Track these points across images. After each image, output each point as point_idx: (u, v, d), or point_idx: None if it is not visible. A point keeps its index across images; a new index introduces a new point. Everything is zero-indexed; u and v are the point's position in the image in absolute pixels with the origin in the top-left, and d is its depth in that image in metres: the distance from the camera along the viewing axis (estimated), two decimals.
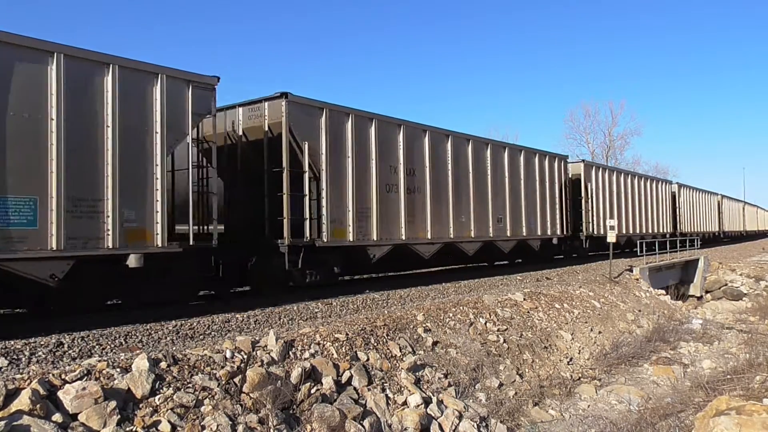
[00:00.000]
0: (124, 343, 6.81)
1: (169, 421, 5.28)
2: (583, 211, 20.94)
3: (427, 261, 14.32)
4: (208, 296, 10.91)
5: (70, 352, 6.25)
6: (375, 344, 7.96)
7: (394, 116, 12.98)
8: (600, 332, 12.55)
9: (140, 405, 5.33)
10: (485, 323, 10.25)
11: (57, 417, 4.78)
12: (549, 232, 18.33)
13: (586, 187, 21.19)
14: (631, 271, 19.03)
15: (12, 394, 4.79)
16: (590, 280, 16.25)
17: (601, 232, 20.99)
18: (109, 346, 6.60)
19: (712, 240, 37.32)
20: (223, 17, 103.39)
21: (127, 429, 5.06)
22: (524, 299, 12.14)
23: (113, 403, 5.09)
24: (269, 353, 6.73)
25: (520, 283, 14.64)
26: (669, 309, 17.23)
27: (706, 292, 25.00)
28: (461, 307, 10.48)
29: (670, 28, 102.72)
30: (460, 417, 7.27)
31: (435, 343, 8.80)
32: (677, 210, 31.29)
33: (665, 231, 28.74)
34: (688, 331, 14.70)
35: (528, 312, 11.61)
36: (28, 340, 6.40)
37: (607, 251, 22.27)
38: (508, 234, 16.14)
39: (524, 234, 16.90)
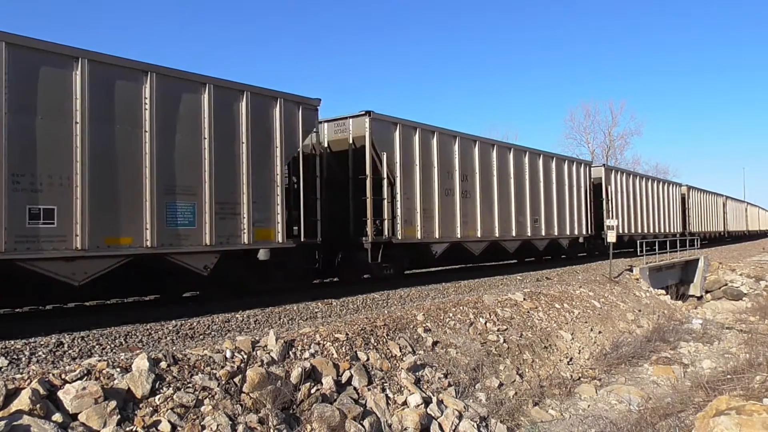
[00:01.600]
0: (124, 343, 6.81)
1: (169, 421, 5.28)
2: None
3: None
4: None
5: (70, 352, 6.25)
6: (375, 344, 7.96)
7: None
8: (600, 332, 12.56)
9: (140, 405, 5.33)
10: (485, 323, 10.25)
11: (57, 417, 4.78)
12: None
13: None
14: (631, 271, 19.04)
15: (12, 394, 4.79)
16: (590, 280, 16.25)
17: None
18: (109, 346, 6.60)
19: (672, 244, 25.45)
20: (223, 17, 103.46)
21: (127, 429, 5.06)
22: (524, 299, 12.14)
23: (113, 403, 5.09)
24: (269, 353, 6.73)
25: (520, 283, 14.64)
26: (669, 309, 17.24)
27: (706, 292, 25.02)
28: (461, 307, 10.48)
29: (670, 28, 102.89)
30: (460, 417, 7.27)
31: (435, 343, 8.80)
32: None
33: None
34: (688, 331, 14.71)
35: (528, 312, 11.61)
36: (28, 340, 6.40)
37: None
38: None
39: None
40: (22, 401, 4.71)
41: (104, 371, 5.42)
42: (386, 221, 12.29)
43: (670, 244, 25.01)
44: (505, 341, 9.93)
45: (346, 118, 12.57)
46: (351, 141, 12.47)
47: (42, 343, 6.35)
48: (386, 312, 9.53)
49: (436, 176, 13.64)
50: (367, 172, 12.04)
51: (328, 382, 6.73)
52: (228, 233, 9.16)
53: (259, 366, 6.40)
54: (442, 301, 11.03)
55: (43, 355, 6.02)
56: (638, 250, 21.71)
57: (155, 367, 5.73)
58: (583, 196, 20.57)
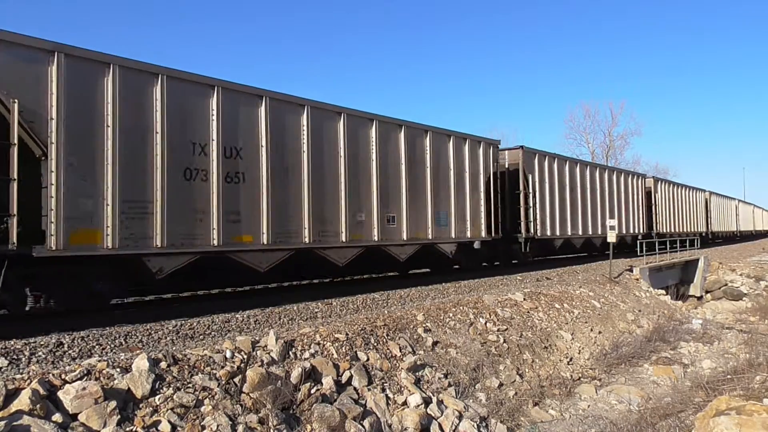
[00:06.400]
0: (124, 343, 6.81)
1: (169, 421, 5.27)
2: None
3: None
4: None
5: (70, 352, 6.25)
6: (375, 344, 7.96)
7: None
8: (600, 332, 12.55)
9: (140, 405, 5.33)
10: (485, 323, 10.25)
11: (57, 417, 4.78)
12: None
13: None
14: (631, 271, 19.03)
15: (12, 394, 4.79)
16: (590, 280, 16.24)
17: (548, 233, 18.09)
18: (109, 346, 6.59)
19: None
20: (223, 17, 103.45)
21: (127, 429, 5.06)
22: (524, 299, 12.14)
23: (113, 403, 5.09)
24: (269, 353, 6.73)
25: (520, 283, 14.63)
26: (669, 309, 17.23)
27: (706, 292, 24.99)
28: (461, 307, 10.48)
29: (669, 28, 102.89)
30: (460, 417, 7.27)
31: (435, 343, 8.80)
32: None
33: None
34: (688, 331, 14.70)
35: (528, 312, 11.60)
36: (28, 340, 6.39)
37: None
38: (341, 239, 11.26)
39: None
40: (22, 401, 4.71)
41: (104, 371, 5.42)
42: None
43: (681, 243, 26.13)
44: (505, 341, 9.93)
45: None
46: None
47: (42, 343, 6.35)
48: (386, 312, 9.52)
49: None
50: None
51: (328, 382, 6.73)
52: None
53: (259, 366, 6.40)
54: (442, 301, 11.03)
55: (43, 355, 6.02)
56: (638, 249, 21.75)
57: (155, 367, 5.73)
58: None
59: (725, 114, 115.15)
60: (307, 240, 10.30)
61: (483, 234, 15.05)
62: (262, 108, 9.70)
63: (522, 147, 17.31)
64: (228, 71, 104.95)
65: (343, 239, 11.03)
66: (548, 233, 18.18)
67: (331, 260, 11.02)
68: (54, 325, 7.19)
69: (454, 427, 7.10)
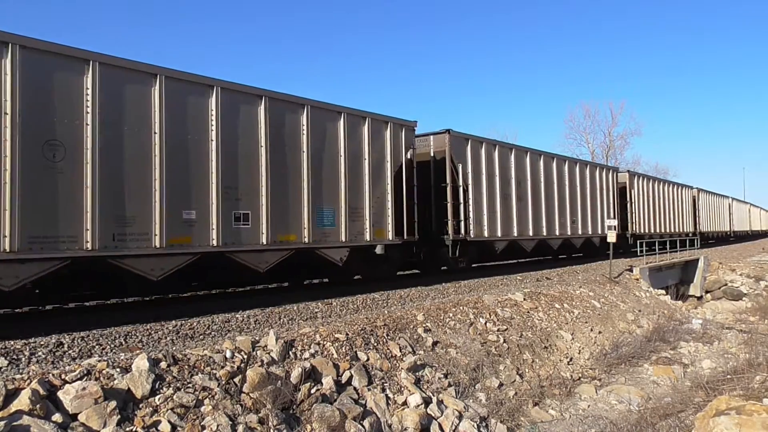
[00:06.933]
0: (124, 343, 6.81)
1: (169, 421, 5.28)
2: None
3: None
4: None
5: (70, 352, 6.25)
6: (375, 344, 7.96)
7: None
8: (600, 332, 12.55)
9: (140, 405, 5.33)
10: (485, 323, 10.25)
11: (57, 417, 4.78)
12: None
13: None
14: (631, 271, 19.03)
15: (12, 394, 4.79)
16: (590, 280, 16.25)
17: (486, 234, 15.01)
18: (109, 346, 6.59)
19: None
20: (223, 17, 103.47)
21: (127, 429, 5.06)
22: (524, 299, 12.14)
23: (113, 403, 5.09)
24: (269, 353, 6.73)
25: (520, 283, 14.63)
26: (669, 309, 17.24)
27: (706, 292, 25.00)
28: (461, 307, 10.48)
29: (669, 28, 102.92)
30: (460, 417, 7.27)
31: (435, 343, 8.80)
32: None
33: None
34: (688, 331, 14.70)
35: (528, 312, 11.61)
36: (28, 340, 6.40)
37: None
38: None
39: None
40: (22, 401, 4.71)
41: (104, 371, 5.42)
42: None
43: (671, 244, 25.44)
44: (505, 341, 9.93)
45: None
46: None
47: (42, 343, 6.35)
48: (386, 312, 9.53)
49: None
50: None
51: (328, 382, 6.73)
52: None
53: (259, 366, 6.40)
54: (442, 301, 11.03)
55: (43, 356, 6.02)
56: (638, 249, 21.75)
57: (155, 367, 5.73)
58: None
59: (725, 114, 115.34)
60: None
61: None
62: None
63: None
64: (228, 71, 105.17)
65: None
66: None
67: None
68: (54, 325, 7.19)
69: (454, 427, 7.10)
